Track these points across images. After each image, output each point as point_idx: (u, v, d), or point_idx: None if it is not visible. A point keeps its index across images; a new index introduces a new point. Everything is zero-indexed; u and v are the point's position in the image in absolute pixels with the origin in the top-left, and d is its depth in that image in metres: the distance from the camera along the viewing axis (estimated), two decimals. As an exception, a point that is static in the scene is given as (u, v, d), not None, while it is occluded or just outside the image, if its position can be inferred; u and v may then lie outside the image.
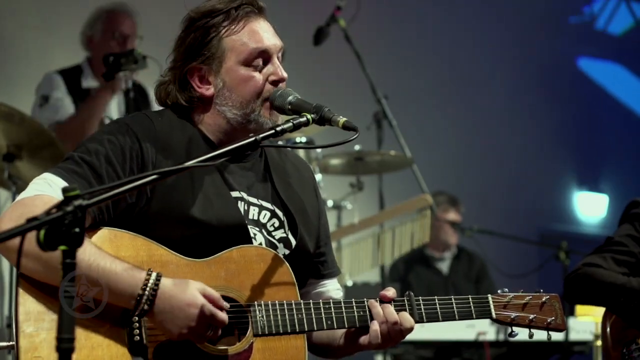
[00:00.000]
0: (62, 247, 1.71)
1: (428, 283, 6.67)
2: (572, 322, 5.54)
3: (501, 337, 5.60)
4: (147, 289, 2.19)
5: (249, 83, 2.46)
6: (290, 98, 2.45)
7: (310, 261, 2.60)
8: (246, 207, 2.49)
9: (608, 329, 3.21)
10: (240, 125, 2.48)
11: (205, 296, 2.23)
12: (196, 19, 2.47)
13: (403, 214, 5.28)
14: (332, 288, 2.69)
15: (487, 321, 5.57)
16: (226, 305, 2.27)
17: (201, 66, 2.47)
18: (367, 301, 2.45)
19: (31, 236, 1.71)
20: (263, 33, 2.49)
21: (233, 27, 2.46)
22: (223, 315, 2.24)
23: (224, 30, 2.46)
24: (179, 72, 2.49)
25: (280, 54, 2.52)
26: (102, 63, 4.68)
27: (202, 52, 2.46)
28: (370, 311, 2.44)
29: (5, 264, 5.07)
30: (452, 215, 6.83)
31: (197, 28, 2.46)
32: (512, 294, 2.59)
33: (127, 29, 5.11)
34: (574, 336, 5.60)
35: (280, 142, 4.28)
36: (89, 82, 5.07)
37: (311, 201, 2.65)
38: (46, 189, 2.24)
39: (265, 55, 2.48)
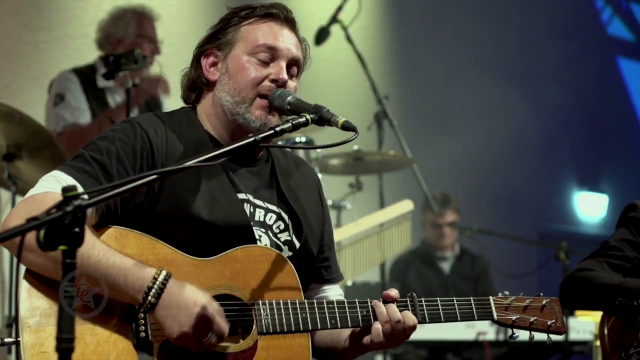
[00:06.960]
0: (62, 247, 1.71)
1: (428, 281, 6.66)
2: (572, 322, 5.53)
3: (501, 337, 5.59)
4: (157, 282, 2.18)
5: (248, 72, 2.49)
6: (289, 98, 2.45)
7: (313, 265, 2.60)
8: (252, 210, 2.50)
9: (606, 334, 3.20)
10: (231, 116, 2.49)
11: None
12: (231, 13, 2.55)
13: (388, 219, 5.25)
14: (335, 293, 2.70)
15: (487, 321, 5.57)
16: (226, 325, 2.25)
17: (215, 51, 2.53)
18: (370, 301, 2.45)
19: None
20: (280, 36, 2.52)
21: (254, 20, 2.52)
22: (224, 325, 2.23)
23: (244, 22, 2.52)
24: (197, 54, 2.56)
25: (296, 69, 2.55)
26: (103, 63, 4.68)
27: (219, 37, 2.53)
28: (374, 311, 2.44)
29: (6, 265, 5.07)
30: (448, 217, 6.79)
31: (226, 18, 2.55)
32: (512, 297, 2.60)
33: (155, 33, 5.10)
34: (574, 336, 5.59)
35: (280, 142, 4.27)
36: (104, 81, 4.97)
37: (315, 206, 2.66)
38: (56, 187, 2.23)
39: (273, 53, 2.50)
